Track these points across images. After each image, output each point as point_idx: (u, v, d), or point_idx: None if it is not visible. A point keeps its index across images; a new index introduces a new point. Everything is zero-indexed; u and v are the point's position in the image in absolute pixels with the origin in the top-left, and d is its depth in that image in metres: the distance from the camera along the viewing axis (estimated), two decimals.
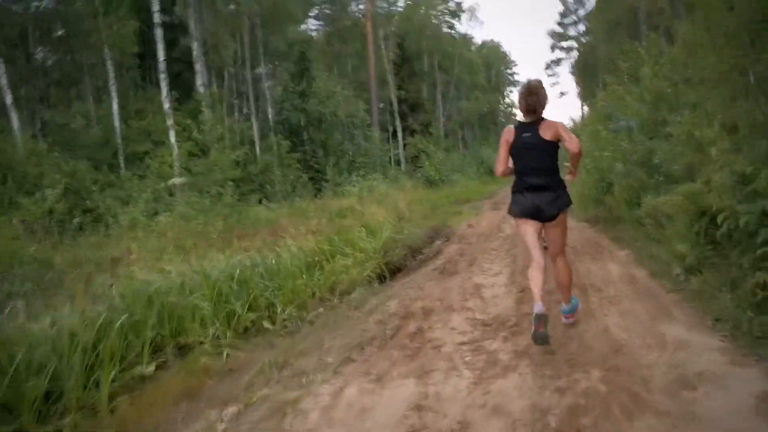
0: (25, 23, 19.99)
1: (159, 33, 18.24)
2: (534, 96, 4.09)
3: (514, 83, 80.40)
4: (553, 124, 4.04)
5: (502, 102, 79.44)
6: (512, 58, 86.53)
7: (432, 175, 27.24)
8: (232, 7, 25.53)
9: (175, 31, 22.20)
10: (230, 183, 16.60)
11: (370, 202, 18.29)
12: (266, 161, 21.66)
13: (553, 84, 58.13)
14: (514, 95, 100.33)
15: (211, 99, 20.57)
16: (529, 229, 4.17)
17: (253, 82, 25.14)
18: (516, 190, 4.26)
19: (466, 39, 52.73)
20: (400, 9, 46.92)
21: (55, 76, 22.40)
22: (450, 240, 11.05)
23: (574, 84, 57.92)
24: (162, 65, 18.20)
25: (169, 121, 17.95)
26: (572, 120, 54.89)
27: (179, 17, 21.88)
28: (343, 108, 25.92)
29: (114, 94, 20.36)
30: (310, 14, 40.49)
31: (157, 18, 18.54)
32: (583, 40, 51.48)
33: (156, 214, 13.78)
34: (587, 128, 30.67)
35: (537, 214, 4.12)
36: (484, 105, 56.21)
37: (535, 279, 4.00)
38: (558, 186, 4.16)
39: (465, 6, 51.03)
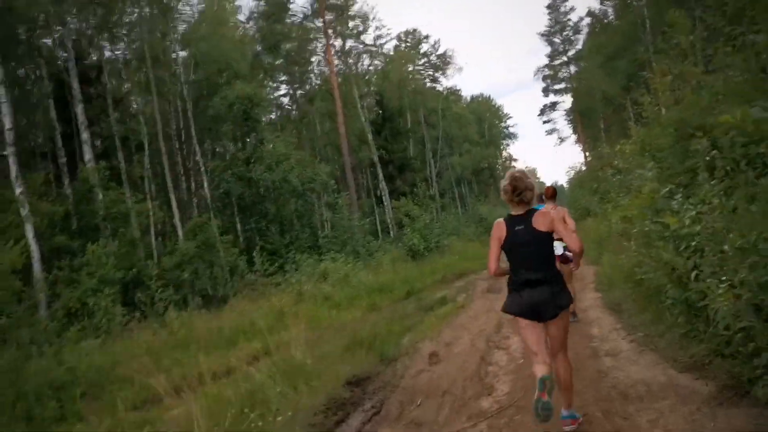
0: None
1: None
2: (520, 186, 3.65)
3: (509, 136, 75.93)
4: (547, 214, 3.72)
5: (498, 156, 74.70)
6: (505, 111, 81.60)
7: (415, 244, 21.25)
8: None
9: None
10: (106, 292, 10.84)
11: (310, 299, 12.32)
12: (183, 251, 15.79)
13: (550, 131, 52.39)
14: (511, 148, 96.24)
15: (100, 175, 14.99)
16: (530, 330, 3.71)
17: (183, 152, 19.66)
18: (512, 286, 3.80)
19: (451, 92, 47.42)
20: (377, 65, 42.21)
21: None
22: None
23: (571, 130, 52.31)
24: (8, 135, 12.65)
25: (24, 211, 12.23)
26: (572, 169, 49.18)
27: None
28: (301, 174, 20.24)
29: None
30: (279, 78, 35.64)
31: None
32: (574, 84, 46.46)
33: None
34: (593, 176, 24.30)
35: (537, 315, 3.66)
36: (478, 159, 50.72)
37: (539, 369, 3.59)
38: (556, 280, 3.71)
39: (446, 57, 45.01)
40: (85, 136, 16.14)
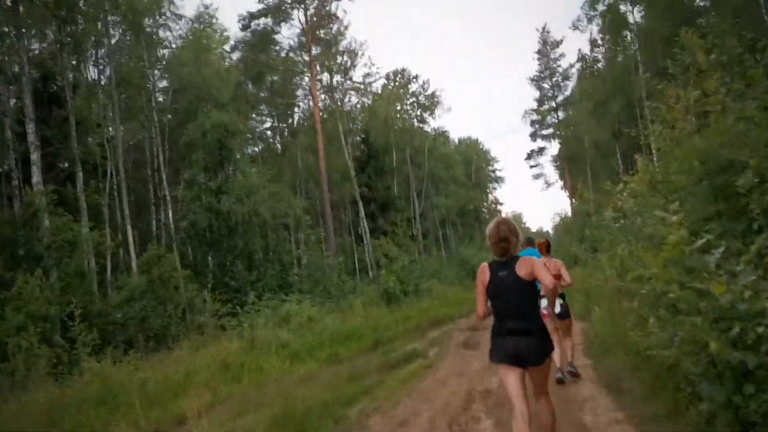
0: None
1: None
2: (504, 234, 3.67)
3: (496, 180, 75.39)
4: (529, 261, 3.69)
5: (485, 199, 73.99)
6: (493, 154, 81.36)
7: (391, 286, 19.76)
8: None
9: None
10: (32, 331, 9.40)
11: (263, 348, 10.83)
12: (133, 286, 14.20)
13: (537, 176, 51.66)
14: (497, 192, 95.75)
15: (47, 199, 13.52)
16: (512, 376, 3.65)
17: (155, 181, 18.28)
18: (496, 333, 3.75)
19: (439, 132, 46.68)
20: (365, 102, 41.39)
21: None
22: None
23: (558, 176, 51.65)
24: None
25: None
26: (558, 215, 48.05)
27: None
28: (273, 207, 18.88)
29: None
30: (263, 111, 34.62)
31: None
32: (561, 132, 45.94)
33: None
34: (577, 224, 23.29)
35: (520, 362, 3.62)
36: (463, 200, 49.69)
37: (520, 424, 3.53)
38: (540, 330, 3.70)
39: (435, 97, 44.37)
40: (34, 156, 14.72)
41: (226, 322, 13.54)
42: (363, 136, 39.60)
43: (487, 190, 72.51)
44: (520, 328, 3.56)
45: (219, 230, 18.59)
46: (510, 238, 3.64)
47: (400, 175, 42.28)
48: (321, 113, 31.40)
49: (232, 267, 18.17)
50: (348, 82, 36.74)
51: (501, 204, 76.72)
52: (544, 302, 5.33)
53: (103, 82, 21.15)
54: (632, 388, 5.41)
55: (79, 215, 15.59)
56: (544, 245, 6.97)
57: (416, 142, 42.95)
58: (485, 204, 76.10)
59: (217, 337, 12.71)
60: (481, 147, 71.74)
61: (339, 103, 35.29)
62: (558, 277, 6.22)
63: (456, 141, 69.60)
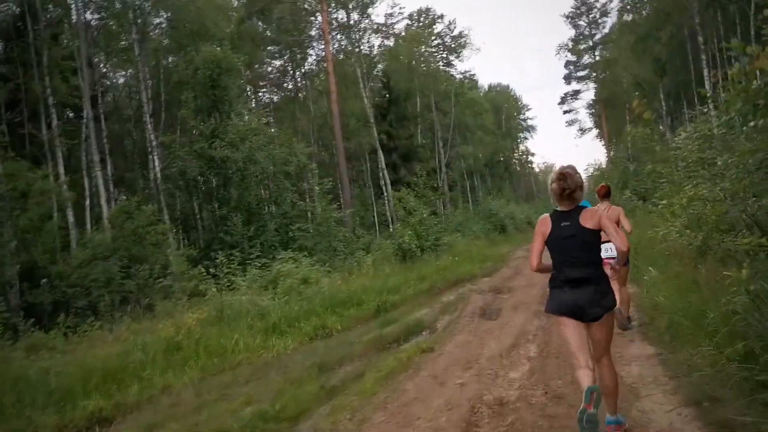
0: None
1: None
2: (569, 181, 3.45)
3: (527, 129, 71.51)
4: (596, 212, 3.47)
5: (516, 149, 70.39)
6: (524, 102, 77.00)
7: (406, 242, 17.47)
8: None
9: None
10: None
11: (236, 318, 8.78)
12: (97, 243, 12.20)
13: (570, 122, 48.02)
14: (529, 142, 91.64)
15: None
16: (572, 330, 3.41)
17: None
18: (554, 284, 3.54)
19: (467, 76, 43.26)
20: (386, 45, 38.22)
21: None
22: None
23: (593, 123, 47.89)
24: None
25: None
26: (593, 166, 44.58)
27: None
28: (272, 153, 16.64)
29: None
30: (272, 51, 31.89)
31: None
32: (598, 73, 41.99)
33: None
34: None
35: (579, 314, 3.39)
36: (492, 150, 46.55)
37: (585, 376, 3.24)
38: (601, 281, 3.44)
39: (462, 37, 40.80)
40: None
41: (205, 285, 11.45)
42: (384, 80, 36.71)
43: (518, 140, 68.87)
44: (579, 277, 3.35)
45: (212, 180, 16.48)
46: (574, 186, 3.41)
47: (424, 123, 39.44)
48: (334, 53, 28.54)
49: (225, 221, 16.09)
50: (367, 20, 33.50)
51: (533, 155, 72.99)
52: (606, 248, 5.25)
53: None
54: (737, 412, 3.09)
55: (48, 162, 13.58)
56: (603, 189, 6.45)
57: (442, 87, 39.72)
58: (516, 154, 72.75)
59: (192, 304, 10.68)
60: (512, 94, 67.85)
61: (356, 44, 32.28)
62: (618, 223, 5.83)
63: (485, 88, 66.01)
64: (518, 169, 75.80)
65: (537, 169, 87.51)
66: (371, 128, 31.61)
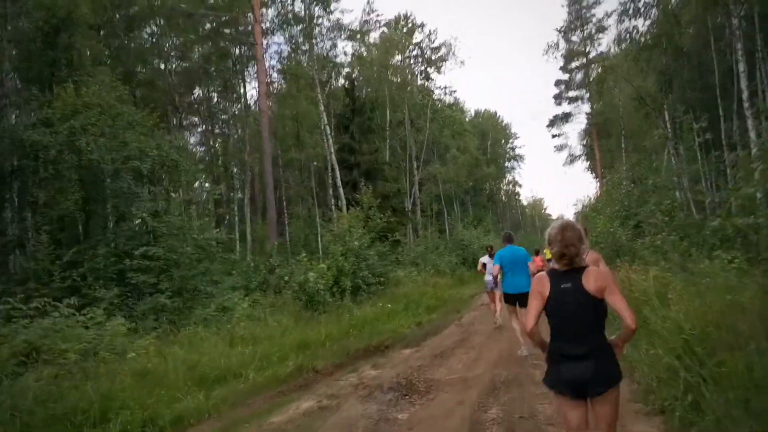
0: None
1: None
2: (571, 239, 2.90)
3: (515, 158, 66.29)
4: (601, 273, 2.95)
5: (502, 179, 65.05)
6: (513, 130, 71.97)
7: (311, 283, 11.65)
8: None
9: None
10: None
11: None
12: None
13: (559, 147, 42.84)
14: (517, 173, 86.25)
15: None
16: (572, 410, 2.94)
17: None
18: (551, 357, 3.03)
19: (447, 92, 37.99)
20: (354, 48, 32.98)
21: None
22: None
23: (584, 152, 42.63)
24: None
25: None
26: (584, 201, 38.79)
27: None
28: (111, 143, 10.93)
29: None
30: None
31: None
32: (593, 92, 36.85)
33: None
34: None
35: (580, 392, 2.88)
36: (473, 175, 41.00)
37: None
38: (605, 353, 2.86)
39: (444, 46, 35.61)
40: None
41: None
42: (348, 87, 31.39)
43: (504, 169, 63.54)
44: (579, 353, 2.82)
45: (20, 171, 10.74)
46: (577, 244, 2.89)
47: (394, 138, 33.96)
48: (267, 33, 23.03)
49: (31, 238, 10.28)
50: (328, 17, 28.11)
51: (520, 186, 67.63)
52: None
53: None
54: None
55: None
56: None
57: (416, 100, 34.35)
58: (503, 184, 67.45)
59: None
60: (500, 120, 62.83)
61: (314, 40, 26.87)
62: None
63: (472, 113, 60.99)
64: (504, 199, 70.67)
65: (525, 202, 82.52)
66: (327, 140, 26.06)
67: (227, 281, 12.13)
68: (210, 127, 25.79)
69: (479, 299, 16.33)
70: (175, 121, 21.87)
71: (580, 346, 2.81)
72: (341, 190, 25.91)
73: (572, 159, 42.22)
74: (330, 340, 9.59)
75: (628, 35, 26.19)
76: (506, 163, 64.30)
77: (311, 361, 7.95)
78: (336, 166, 26.13)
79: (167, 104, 22.59)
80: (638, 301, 6.08)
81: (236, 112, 25.50)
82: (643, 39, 25.15)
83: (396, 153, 34.06)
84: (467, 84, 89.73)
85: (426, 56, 37.21)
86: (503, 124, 63.75)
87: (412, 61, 36.79)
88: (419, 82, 36.90)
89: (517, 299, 7.48)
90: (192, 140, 25.13)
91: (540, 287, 2.95)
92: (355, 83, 32.17)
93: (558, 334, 2.95)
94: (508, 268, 7.67)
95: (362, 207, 18.13)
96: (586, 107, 37.75)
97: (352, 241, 14.74)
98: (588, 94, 36.23)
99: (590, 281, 2.81)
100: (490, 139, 57.48)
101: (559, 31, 35.75)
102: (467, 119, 55.29)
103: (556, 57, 35.10)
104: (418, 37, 36.92)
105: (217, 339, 8.88)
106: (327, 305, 12.15)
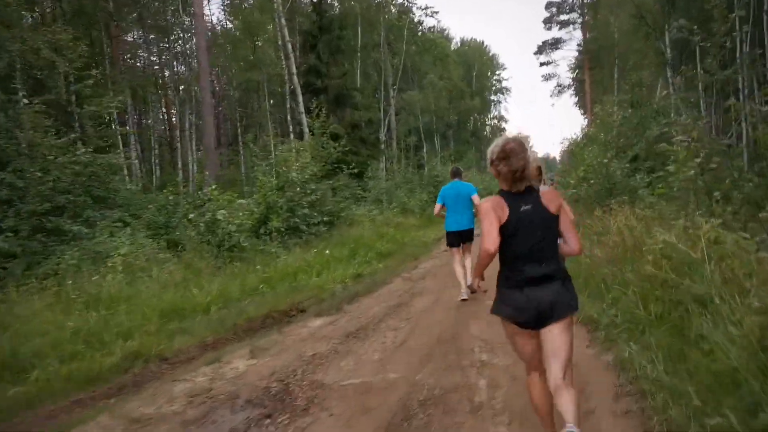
0: None
1: None
2: (515, 160, 2.56)
3: (501, 91, 62.55)
4: (555, 194, 2.74)
5: (487, 113, 61.49)
6: (500, 61, 67.70)
7: (223, 223, 8.96)
8: None
9: None
10: None
11: None
12: None
13: (547, 77, 39.52)
14: (502, 107, 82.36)
15: None
16: (529, 342, 2.67)
17: None
18: (509, 284, 2.63)
19: (428, 13, 33.94)
20: None
21: None
22: None
23: (573, 84, 39.39)
24: None
25: None
26: (572, 139, 35.80)
27: None
28: None
29: None
30: None
31: None
32: (586, 16, 33.30)
33: None
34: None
35: (540, 320, 2.57)
36: (451, 103, 37.76)
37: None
38: (565, 274, 2.67)
39: None
40: None
41: None
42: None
43: (490, 102, 59.92)
44: (543, 273, 2.56)
45: None
46: (524, 164, 2.55)
47: (368, 62, 30.49)
48: None
49: None
50: None
51: (506, 121, 64.23)
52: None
53: None
54: None
55: None
56: (536, 169, 4.75)
57: (393, 20, 30.59)
58: (488, 119, 63.97)
59: None
60: (486, 50, 58.59)
61: None
62: None
63: (457, 41, 56.73)
64: (489, 136, 67.40)
65: None
66: (288, 58, 22.75)
67: (113, 217, 9.37)
68: (144, 34, 22.18)
69: (443, 243, 13.87)
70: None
71: (547, 267, 2.57)
72: (303, 116, 22.73)
73: (561, 90, 39.03)
74: (222, 302, 7.04)
75: None
76: (492, 96, 60.68)
77: (164, 342, 5.38)
78: (298, 90, 22.91)
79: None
80: (659, 282, 3.50)
81: (172, 18, 21.80)
82: None
83: (370, 79, 30.72)
84: (453, 10, 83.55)
85: None
86: (490, 54, 59.61)
87: None
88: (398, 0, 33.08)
89: (460, 237, 6.96)
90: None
91: (499, 211, 2.57)
92: None
93: (519, 257, 2.60)
94: (450, 205, 6.99)
95: (313, 133, 15.24)
96: (578, 33, 34.22)
97: (289, 172, 11.95)
98: (581, 19, 32.61)
99: (549, 201, 2.61)
100: (475, 71, 53.69)
101: None
102: (452, 48, 51.47)
103: (546, 5, 31.06)
104: None
105: (52, 301, 6.27)
106: (244, 251, 9.53)
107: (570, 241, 2.66)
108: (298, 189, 12.07)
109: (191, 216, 9.62)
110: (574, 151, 20.27)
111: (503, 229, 2.55)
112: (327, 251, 10.62)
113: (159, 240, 10.30)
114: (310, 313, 6.80)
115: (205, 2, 17.22)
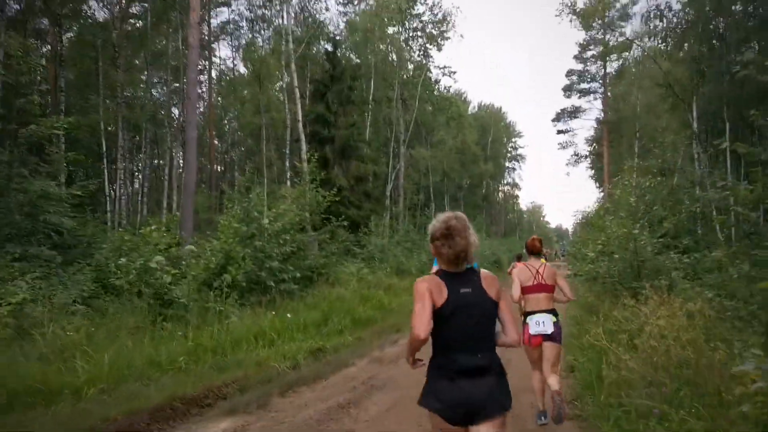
0: None
1: None
2: (463, 236, 2.34)
3: (516, 158, 61.45)
4: (493, 278, 2.46)
5: (501, 179, 60.08)
6: (517, 128, 66.99)
7: (156, 278, 7.18)
8: None
9: None
10: None
11: None
12: None
13: (564, 145, 38.19)
14: (516, 174, 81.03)
15: None
16: None
17: None
18: (440, 373, 2.32)
19: (445, 72, 33.09)
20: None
21: None
22: None
23: (591, 153, 38.04)
24: None
25: None
26: (586, 211, 33.87)
27: None
28: None
29: None
30: None
31: None
32: (608, 85, 32.28)
33: None
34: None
35: (470, 415, 2.25)
36: (470, 170, 36.44)
37: None
38: (500, 368, 2.38)
39: (446, 19, 30.98)
40: None
41: None
42: (330, 49, 26.80)
43: (504, 169, 58.62)
44: (476, 365, 2.27)
45: None
46: (466, 245, 2.32)
47: (377, 116, 29.41)
48: None
49: None
50: None
51: (519, 189, 62.90)
52: (537, 321, 4.21)
53: None
54: None
55: None
56: (536, 244, 4.63)
57: (407, 75, 29.74)
58: (501, 185, 62.44)
59: None
60: (503, 116, 57.91)
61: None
62: (551, 288, 4.37)
63: (474, 105, 56.07)
64: (501, 201, 65.75)
65: (524, 207, 77.52)
66: (296, 103, 21.73)
67: (42, 255, 7.65)
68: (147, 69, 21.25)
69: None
70: None
71: (483, 358, 2.30)
72: (305, 165, 21.31)
73: (577, 159, 37.57)
74: (113, 380, 5.17)
75: (658, 12, 21.66)
76: (506, 163, 59.49)
77: None
78: (302, 137, 21.68)
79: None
80: None
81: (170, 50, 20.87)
82: (675, 18, 20.72)
83: (379, 133, 29.56)
84: (471, 76, 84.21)
85: (427, 31, 32.64)
86: (507, 121, 58.91)
87: (410, 35, 32.23)
88: (417, 57, 32.35)
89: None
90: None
91: (437, 293, 2.27)
92: (339, 48, 27.52)
93: (454, 345, 2.32)
94: None
95: (301, 179, 13.68)
96: (598, 103, 33.08)
97: (261, 218, 10.26)
98: (602, 89, 31.54)
99: (489, 285, 2.37)
100: (491, 135, 52.73)
101: (575, 13, 30.88)
102: (469, 112, 50.70)
103: (571, 20, 29.74)
104: (420, 8, 32.32)
105: None
106: (184, 308, 7.69)
107: (509, 331, 2.41)
108: (267, 238, 10.36)
109: (121, 261, 7.88)
110: (591, 220, 18.49)
111: (438, 312, 2.26)
112: (288, 315, 8.76)
113: (100, 286, 8.60)
114: (223, 408, 4.92)
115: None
